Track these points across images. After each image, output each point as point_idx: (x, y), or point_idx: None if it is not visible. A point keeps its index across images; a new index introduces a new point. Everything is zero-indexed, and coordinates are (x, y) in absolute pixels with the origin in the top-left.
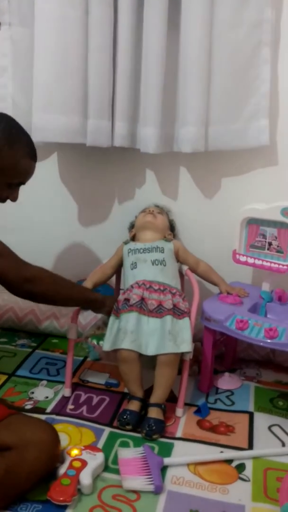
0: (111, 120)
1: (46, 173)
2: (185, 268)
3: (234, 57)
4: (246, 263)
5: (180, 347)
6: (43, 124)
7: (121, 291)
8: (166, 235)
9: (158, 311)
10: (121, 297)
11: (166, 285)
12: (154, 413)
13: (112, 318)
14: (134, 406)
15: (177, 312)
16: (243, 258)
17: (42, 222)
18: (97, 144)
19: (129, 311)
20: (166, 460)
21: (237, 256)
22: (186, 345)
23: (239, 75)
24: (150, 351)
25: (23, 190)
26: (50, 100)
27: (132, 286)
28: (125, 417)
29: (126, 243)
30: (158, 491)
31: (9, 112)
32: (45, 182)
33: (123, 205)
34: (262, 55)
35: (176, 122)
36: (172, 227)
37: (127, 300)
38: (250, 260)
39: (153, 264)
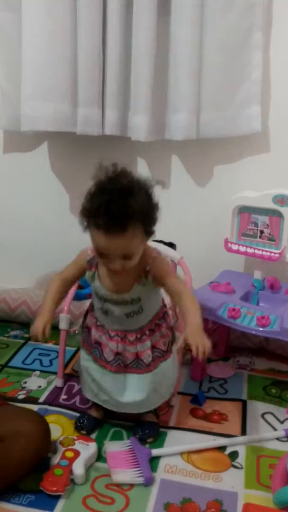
0: (102, 108)
1: (36, 162)
2: (178, 257)
3: (226, 42)
4: (238, 251)
5: (166, 396)
6: (32, 112)
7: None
8: (142, 271)
9: (137, 367)
10: (89, 322)
11: (144, 326)
12: (148, 416)
13: (83, 352)
14: (95, 413)
15: (159, 354)
16: (235, 247)
17: (34, 212)
18: (87, 132)
19: (103, 367)
20: (155, 451)
21: (229, 244)
22: (167, 391)
23: (231, 60)
24: (130, 399)
25: (14, 180)
26: (39, 87)
27: (105, 329)
28: (81, 421)
29: (89, 264)
30: (148, 482)
31: None
32: (35, 171)
33: None
34: (254, 40)
35: (167, 110)
36: (150, 230)
37: (98, 344)
38: (242, 249)
39: (127, 317)
